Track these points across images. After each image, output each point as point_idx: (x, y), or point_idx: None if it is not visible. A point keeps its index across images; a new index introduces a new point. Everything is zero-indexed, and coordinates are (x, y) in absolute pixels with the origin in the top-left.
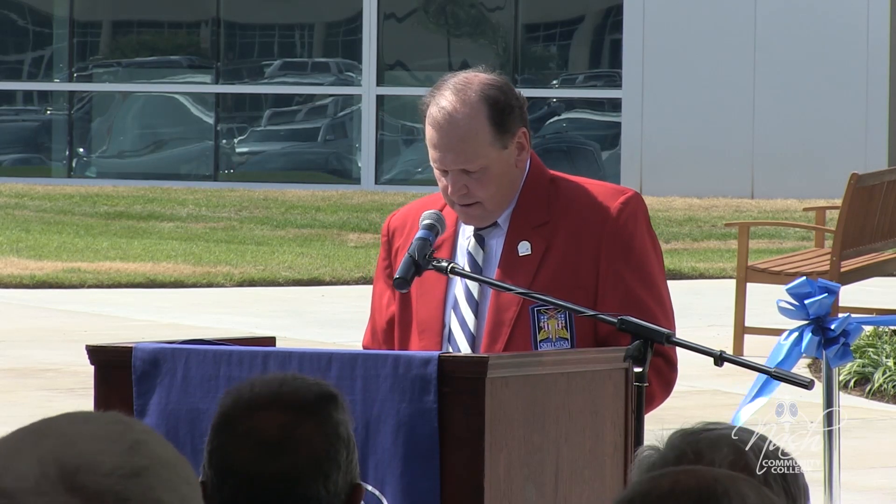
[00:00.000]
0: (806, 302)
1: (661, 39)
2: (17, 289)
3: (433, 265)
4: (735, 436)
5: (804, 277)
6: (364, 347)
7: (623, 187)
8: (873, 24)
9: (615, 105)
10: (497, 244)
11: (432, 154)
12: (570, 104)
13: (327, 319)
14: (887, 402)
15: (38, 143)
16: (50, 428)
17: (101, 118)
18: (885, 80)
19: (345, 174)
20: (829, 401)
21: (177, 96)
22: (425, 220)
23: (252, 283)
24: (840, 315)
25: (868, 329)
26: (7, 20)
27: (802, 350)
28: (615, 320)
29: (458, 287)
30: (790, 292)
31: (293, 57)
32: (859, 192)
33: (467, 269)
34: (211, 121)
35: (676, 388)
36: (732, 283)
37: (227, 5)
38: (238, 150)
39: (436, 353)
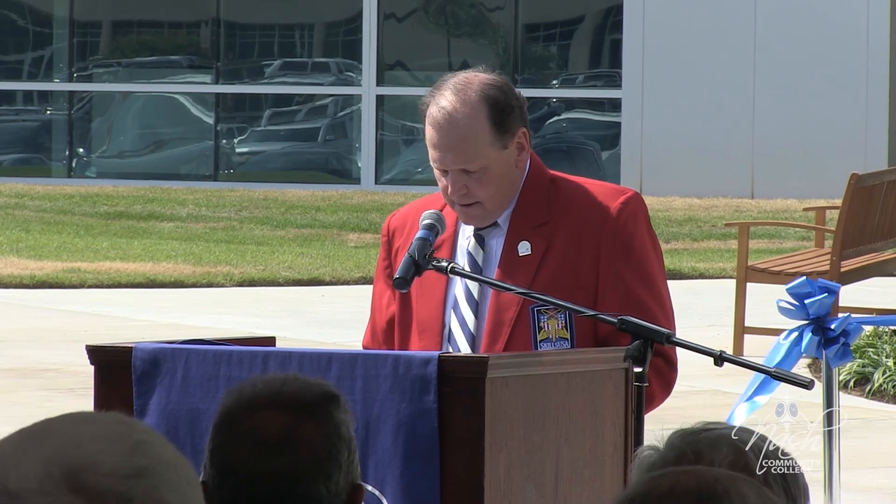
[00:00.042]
0: (806, 302)
1: (661, 39)
2: (17, 289)
3: (433, 265)
4: (735, 436)
5: (804, 277)
6: (364, 347)
7: (623, 187)
8: (873, 24)
9: (615, 105)
10: (497, 244)
11: (432, 154)
12: (570, 104)
13: (327, 319)
14: (887, 402)
15: (38, 143)
16: (53, 429)
17: (101, 118)
18: (885, 80)
19: (345, 174)
20: (829, 401)
21: (177, 96)
22: (425, 220)
23: (252, 283)
24: (840, 315)
25: (868, 329)
26: (7, 20)
27: (802, 350)
28: (615, 320)
29: (458, 287)
30: (790, 292)
31: (293, 57)
32: (859, 192)
33: (467, 269)
34: (211, 121)
35: (676, 388)
36: (732, 283)
37: (227, 5)
38: (238, 150)
39: (436, 353)
